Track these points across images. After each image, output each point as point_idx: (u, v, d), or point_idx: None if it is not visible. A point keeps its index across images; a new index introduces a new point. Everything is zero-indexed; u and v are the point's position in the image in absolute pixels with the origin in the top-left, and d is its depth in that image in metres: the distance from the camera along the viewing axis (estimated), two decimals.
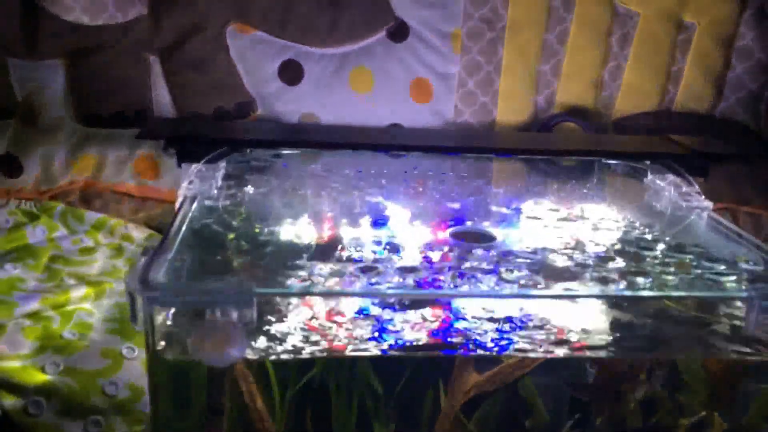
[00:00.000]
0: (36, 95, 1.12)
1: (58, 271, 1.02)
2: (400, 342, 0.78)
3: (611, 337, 0.81)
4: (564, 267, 0.82)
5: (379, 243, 0.86)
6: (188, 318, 0.62)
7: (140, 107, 1.15)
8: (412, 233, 0.90)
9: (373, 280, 0.75)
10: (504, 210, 0.98)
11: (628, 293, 0.78)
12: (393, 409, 1.12)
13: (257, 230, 0.82)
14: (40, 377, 0.87)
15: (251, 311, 0.60)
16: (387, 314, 0.78)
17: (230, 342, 0.59)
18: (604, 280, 0.80)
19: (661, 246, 0.91)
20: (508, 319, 0.80)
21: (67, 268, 1.04)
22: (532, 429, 1.08)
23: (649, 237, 0.94)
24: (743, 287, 0.80)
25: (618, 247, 0.90)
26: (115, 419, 0.90)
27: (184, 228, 0.79)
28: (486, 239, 0.92)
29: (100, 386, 0.90)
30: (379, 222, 0.92)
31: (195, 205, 0.87)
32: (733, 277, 0.82)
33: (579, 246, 0.90)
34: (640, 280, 0.80)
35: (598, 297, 0.80)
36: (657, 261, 0.86)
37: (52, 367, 0.88)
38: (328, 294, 0.75)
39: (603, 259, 0.87)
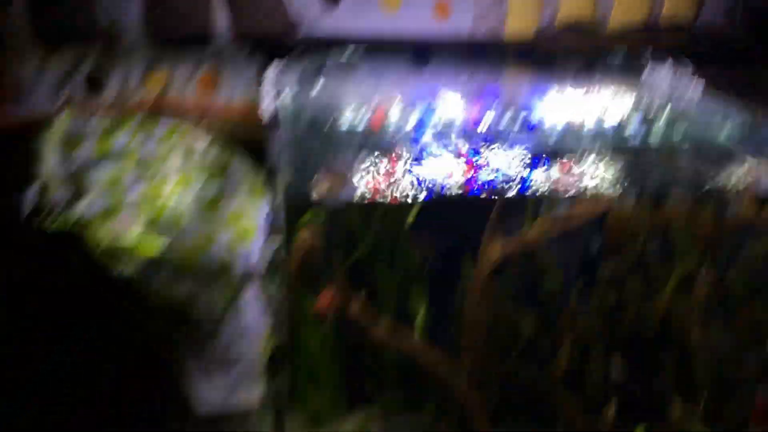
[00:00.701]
0: (117, 22, 1.28)
1: (147, 166, 1.20)
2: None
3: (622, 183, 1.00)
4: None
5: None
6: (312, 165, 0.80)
7: (204, 30, 1.32)
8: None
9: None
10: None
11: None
12: (427, 277, 1.32)
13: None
14: (153, 248, 1.06)
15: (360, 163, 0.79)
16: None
17: (345, 185, 0.78)
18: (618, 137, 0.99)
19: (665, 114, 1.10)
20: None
21: (152, 166, 1.22)
22: (549, 293, 1.28)
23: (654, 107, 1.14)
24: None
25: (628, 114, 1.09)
26: (212, 281, 1.10)
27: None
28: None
29: (200, 256, 1.09)
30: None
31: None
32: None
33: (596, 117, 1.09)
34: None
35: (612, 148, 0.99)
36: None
37: (161, 240, 1.07)
38: None
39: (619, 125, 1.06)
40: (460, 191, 0.92)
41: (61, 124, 1.21)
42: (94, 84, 1.28)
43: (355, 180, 0.78)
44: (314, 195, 0.80)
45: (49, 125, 1.20)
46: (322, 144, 0.90)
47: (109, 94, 1.31)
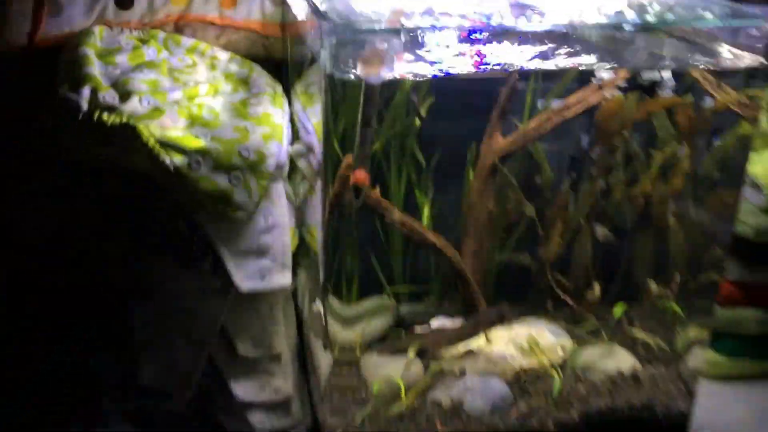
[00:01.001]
0: None
1: (178, 76, 1.32)
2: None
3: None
4: None
5: None
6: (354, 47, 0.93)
7: None
8: None
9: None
10: None
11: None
12: (433, 179, 1.47)
13: None
14: (196, 143, 1.17)
15: (400, 42, 0.93)
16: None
17: (384, 64, 0.91)
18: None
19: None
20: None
21: (182, 75, 1.33)
22: (541, 183, 1.44)
23: None
24: None
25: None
26: (248, 174, 1.22)
27: None
28: None
29: (237, 150, 1.21)
30: None
31: None
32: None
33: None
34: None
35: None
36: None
37: (202, 137, 1.19)
38: None
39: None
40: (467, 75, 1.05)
41: (97, 37, 1.31)
42: (123, 1, 1.38)
43: (388, 61, 0.91)
44: (356, 72, 0.94)
45: (86, 37, 1.30)
46: (355, 33, 1.02)
47: (137, 10, 1.41)
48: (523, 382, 1.28)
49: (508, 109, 1.34)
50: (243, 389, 1.32)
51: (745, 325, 1.56)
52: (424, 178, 1.44)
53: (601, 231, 1.39)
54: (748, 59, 1.16)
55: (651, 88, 1.34)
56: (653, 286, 1.48)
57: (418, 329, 1.38)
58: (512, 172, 1.43)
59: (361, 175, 1.08)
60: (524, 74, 1.36)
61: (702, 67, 1.22)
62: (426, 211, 1.48)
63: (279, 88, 1.42)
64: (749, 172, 1.47)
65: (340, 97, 1.14)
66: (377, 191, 1.30)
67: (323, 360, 1.30)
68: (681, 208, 1.40)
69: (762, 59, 1.15)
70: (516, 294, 1.54)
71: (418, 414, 1.21)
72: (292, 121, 1.36)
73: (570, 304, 1.48)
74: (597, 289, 1.48)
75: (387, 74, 0.96)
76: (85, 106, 1.14)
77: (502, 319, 1.27)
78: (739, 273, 1.52)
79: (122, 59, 1.31)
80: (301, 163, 1.35)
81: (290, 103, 1.40)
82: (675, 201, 1.40)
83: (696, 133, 1.31)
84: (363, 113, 1.05)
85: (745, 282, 1.53)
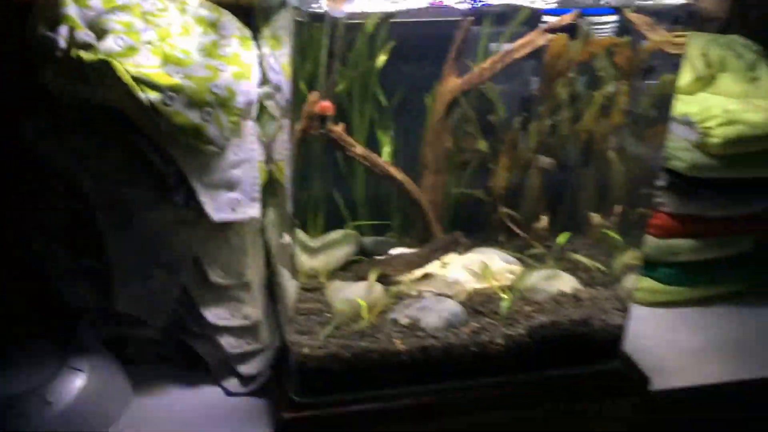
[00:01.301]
0: None
1: (151, 18, 1.38)
2: None
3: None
4: None
5: None
6: None
7: None
8: None
9: None
10: None
11: None
12: (393, 118, 1.56)
13: None
14: (170, 80, 1.25)
15: None
16: None
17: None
18: None
19: None
20: None
21: (154, 18, 1.39)
22: (495, 122, 1.54)
23: None
24: None
25: None
26: (219, 111, 1.30)
27: None
28: None
29: (209, 87, 1.29)
30: None
31: None
32: None
33: None
34: None
35: None
36: None
37: (175, 75, 1.26)
38: None
39: None
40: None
41: None
42: None
43: None
44: (322, 6, 1.04)
45: None
46: None
47: None
48: (475, 302, 1.40)
49: (463, 51, 1.43)
50: (215, 315, 1.40)
51: (680, 254, 1.70)
52: (385, 117, 1.53)
53: (543, 160, 1.51)
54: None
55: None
56: (595, 217, 1.61)
57: (380, 257, 1.49)
58: (467, 111, 1.53)
59: (326, 105, 1.17)
60: (478, 18, 1.45)
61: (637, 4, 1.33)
62: (387, 149, 1.57)
63: (247, 32, 1.48)
64: (683, 111, 1.59)
65: (307, 37, 1.23)
66: (341, 127, 1.39)
67: (290, 287, 1.40)
68: (621, 144, 1.52)
69: None
70: (471, 225, 1.65)
71: (378, 331, 1.32)
72: (260, 64, 1.43)
73: (519, 234, 1.59)
74: (544, 220, 1.60)
75: (348, 7, 1.06)
76: (63, 43, 1.21)
77: (455, 245, 1.38)
78: (673, 205, 1.65)
79: (96, 2, 1.35)
80: (269, 104, 1.43)
81: (258, 47, 1.47)
82: (615, 137, 1.52)
83: (633, 72, 1.42)
84: (329, 46, 1.14)
85: (680, 213, 1.67)
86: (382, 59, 1.45)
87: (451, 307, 1.35)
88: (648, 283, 1.69)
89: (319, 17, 1.14)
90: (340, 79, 1.47)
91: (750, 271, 1.79)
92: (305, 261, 1.47)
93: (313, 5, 1.12)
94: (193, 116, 1.27)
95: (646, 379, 1.44)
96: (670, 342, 1.64)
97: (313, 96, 1.25)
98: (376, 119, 1.54)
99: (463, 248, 1.39)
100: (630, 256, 1.48)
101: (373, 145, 1.52)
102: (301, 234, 1.40)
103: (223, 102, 1.30)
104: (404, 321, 1.33)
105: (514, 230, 1.60)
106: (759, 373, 1.54)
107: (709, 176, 1.62)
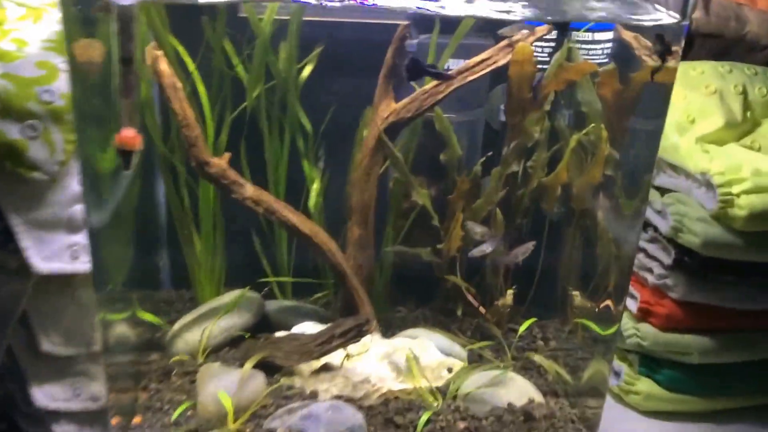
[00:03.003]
0: None
1: None
2: None
3: None
4: None
5: None
6: None
7: None
8: None
9: None
10: None
11: None
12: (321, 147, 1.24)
13: None
14: None
15: None
16: None
17: None
18: None
19: None
20: None
21: None
22: (446, 162, 1.20)
23: None
24: None
25: None
26: (50, 125, 0.99)
27: None
28: None
29: (35, 93, 0.97)
30: None
31: None
32: None
33: None
34: None
35: None
36: None
37: None
38: None
39: None
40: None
41: None
42: None
43: None
44: None
45: None
46: None
47: None
48: (390, 410, 1.05)
49: (399, 67, 1.10)
50: (47, 395, 1.10)
51: (689, 354, 1.33)
52: (311, 145, 1.21)
53: (473, 228, 1.15)
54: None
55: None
56: (577, 297, 1.25)
57: (277, 335, 1.15)
58: (408, 146, 1.19)
59: (127, 137, 0.83)
60: (426, 26, 1.11)
61: (632, 21, 0.97)
62: (315, 186, 1.25)
63: None
64: (703, 167, 1.22)
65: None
66: (224, 160, 1.06)
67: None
68: (609, 203, 1.16)
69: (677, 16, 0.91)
70: (419, 296, 1.32)
71: None
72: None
73: (478, 311, 1.25)
74: (509, 296, 1.25)
75: None
76: None
77: (359, 332, 1.03)
78: (681, 291, 1.27)
79: None
80: None
81: None
82: (604, 193, 1.16)
83: (623, 109, 1.06)
84: (121, 48, 0.80)
85: (689, 302, 1.29)
86: (306, 70, 1.13)
87: (348, 416, 1.00)
88: (648, 386, 1.33)
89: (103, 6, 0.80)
90: (250, 90, 1.15)
91: None
92: (181, 332, 1.14)
93: None
94: (9, 131, 0.95)
95: None
96: None
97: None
98: (302, 149, 1.22)
99: (369, 331, 1.04)
100: (600, 365, 1.12)
101: (297, 182, 1.20)
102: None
103: (56, 114, 0.98)
104: None
105: (470, 303, 1.25)
106: None
107: (730, 258, 1.24)
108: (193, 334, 1.17)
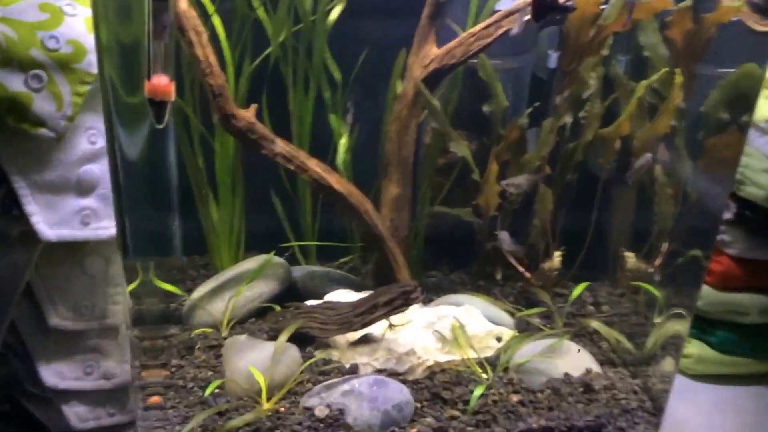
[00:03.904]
0: None
1: None
2: None
3: None
4: None
5: None
6: None
7: None
8: None
9: None
10: None
11: None
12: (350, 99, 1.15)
13: None
14: None
15: None
16: None
17: None
18: None
19: None
20: None
21: None
22: (490, 114, 1.11)
23: None
24: None
25: None
26: (57, 75, 0.89)
27: None
28: None
29: (39, 39, 0.88)
30: None
31: None
32: None
33: None
34: None
35: None
36: None
37: None
38: None
39: None
40: None
41: None
42: None
43: None
44: None
45: None
46: None
47: None
48: (437, 384, 0.98)
49: (444, 7, 1.00)
50: (56, 373, 1.04)
51: (747, 314, 1.26)
52: (339, 97, 1.12)
53: (513, 182, 1.07)
54: None
55: None
56: (630, 258, 1.17)
57: (308, 303, 1.07)
58: (449, 96, 1.10)
59: (159, 85, 0.73)
60: None
61: None
62: (343, 142, 1.17)
63: None
64: (763, 116, 1.14)
65: None
66: (251, 112, 0.97)
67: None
68: (672, 157, 1.08)
69: None
70: (455, 259, 1.25)
71: (281, 426, 0.90)
72: None
73: (522, 274, 1.17)
74: (557, 258, 1.18)
75: None
76: None
77: (407, 300, 0.95)
78: (742, 247, 1.20)
79: None
80: None
81: None
82: (664, 147, 1.08)
83: (696, 53, 0.97)
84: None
85: (750, 259, 1.22)
86: (334, 12, 1.04)
87: (395, 393, 0.93)
88: (699, 348, 1.28)
89: None
90: (274, 36, 1.06)
91: None
92: (201, 304, 1.07)
93: None
94: (12, 82, 0.86)
95: None
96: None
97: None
98: (329, 101, 1.13)
99: (415, 301, 0.96)
100: (674, 325, 1.04)
101: (323, 137, 1.12)
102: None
103: (63, 62, 0.90)
104: (321, 412, 0.91)
105: (513, 267, 1.17)
106: None
107: None
108: (215, 304, 1.09)
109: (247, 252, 1.22)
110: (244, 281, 1.09)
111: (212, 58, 0.92)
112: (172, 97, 0.75)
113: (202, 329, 1.07)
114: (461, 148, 1.07)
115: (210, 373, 1.00)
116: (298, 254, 1.25)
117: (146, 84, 0.74)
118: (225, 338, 1.06)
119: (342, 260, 1.26)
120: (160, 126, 0.75)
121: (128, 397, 1.08)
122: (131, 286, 1.01)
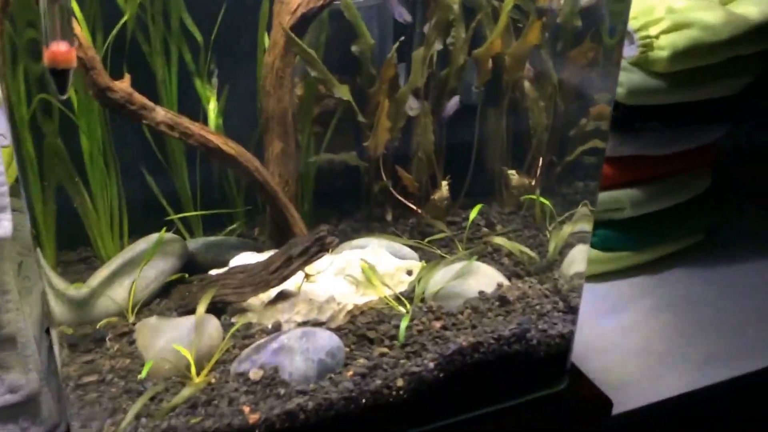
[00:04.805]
0: None
1: None
2: None
3: None
4: None
5: None
6: None
7: None
8: None
9: None
10: None
11: None
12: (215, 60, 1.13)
13: None
14: None
15: None
16: None
17: None
18: None
19: None
20: None
21: None
22: (359, 54, 1.12)
23: None
24: None
25: None
26: None
27: None
28: None
29: None
30: None
31: None
32: None
33: None
34: None
35: None
36: None
37: None
38: None
39: None
40: None
41: None
42: None
43: None
44: None
45: None
46: None
47: None
48: (360, 326, 1.00)
49: None
50: None
51: (621, 210, 1.36)
52: (203, 59, 1.10)
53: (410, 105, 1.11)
54: None
55: None
56: (514, 176, 1.24)
57: (213, 273, 1.06)
58: (319, 40, 1.10)
59: (59, 52, 0.70)
60: None
61: None
62: (212, 106, 1.15)
63: None
64: None
65: None
66: (126, 82, 0.94)
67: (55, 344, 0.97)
68: (541, 70, 1.14)
69: None
70: (345, 206, 1.26)
71: (217, 395, 0.90)
72: None
73: (413, 209, 1.21)
74: (444, 187, 1.22)
75: None
76: None
77: (322, 246, 0.97)
78: (611, 145, 1.30)
79: None
80: None
81: None
82: (532, 61, 1.14)
83: None
84: None
85: (616, 156, 1.32)
86: None
87: (325, 341, 0.95)
88: None
89: None
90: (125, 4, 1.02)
91: (707, 215, 1.48)
92: (101, 293, 1.03)
93: None
94: None
95: (606, 402, 1.09)
96: (622, 333, 1.30)
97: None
98: (192, 64, 1.10)
99: (331, 246, 0.97)
100: (569, 226, 1.12)
101: (191, 105, 1.09)
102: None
103: None
104: (255, 375, 0.92)
105: (405, 204, 1.20)
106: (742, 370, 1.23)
107: (653, 103, 1.28)
108: (115, 291, 1.06)
109: (131, 237, 1.18)
110: (142, 262, 1.06)
111: (79, 31, 0.88)
112: (74, 63, 0.71)
113: (107, 319, 1.04)
114: (344, 92, 1.09)
115: (128, 360, 0.97)
116: (182, 230, 1.22)
117: (45, 52, 0.70)
118: (134, 323, 1.03)
119: (230, 228, 1.25)
120: (63, 97, 0.71)
121: (40, 407, 1.03)
122: None
